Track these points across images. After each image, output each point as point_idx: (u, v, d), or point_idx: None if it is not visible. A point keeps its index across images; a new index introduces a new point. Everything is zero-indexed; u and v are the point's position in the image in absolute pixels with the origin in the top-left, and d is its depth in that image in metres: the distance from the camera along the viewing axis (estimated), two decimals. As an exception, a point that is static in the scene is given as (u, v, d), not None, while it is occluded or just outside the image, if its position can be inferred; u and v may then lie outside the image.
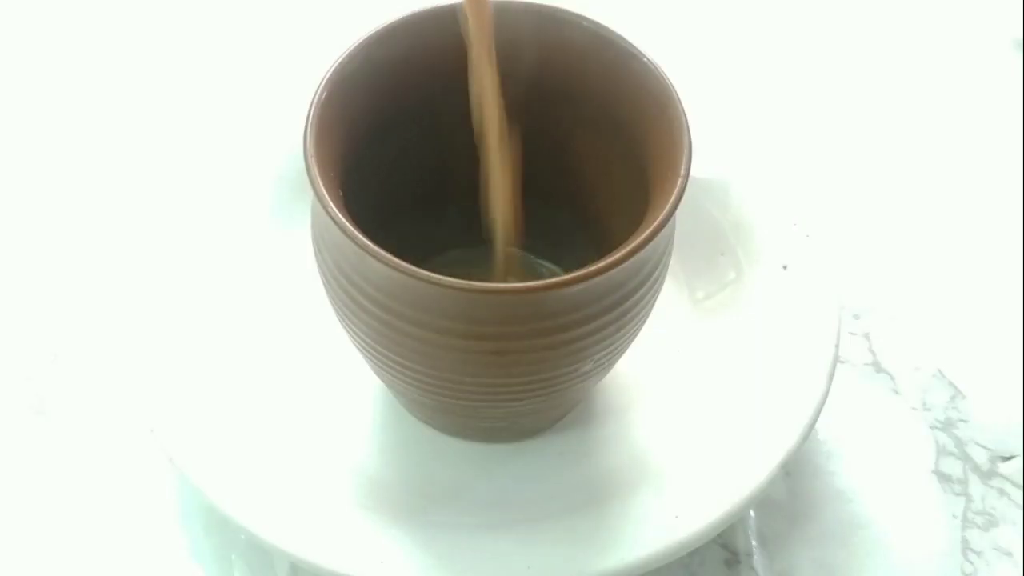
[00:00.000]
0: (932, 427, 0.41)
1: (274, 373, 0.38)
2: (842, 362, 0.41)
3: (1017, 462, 0.40)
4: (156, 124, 0.48)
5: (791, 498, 0.38)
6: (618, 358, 0.33)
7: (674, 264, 0.34)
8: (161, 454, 0.34)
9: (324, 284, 0.32)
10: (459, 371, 0.31)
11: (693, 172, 0.30)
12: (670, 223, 0.30)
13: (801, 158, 0.48)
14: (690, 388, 0.38)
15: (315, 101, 0.31)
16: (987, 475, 0.39)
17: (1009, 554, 0.38)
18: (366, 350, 0.33)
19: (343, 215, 0.29)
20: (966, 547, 0.38)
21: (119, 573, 0.36)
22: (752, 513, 0.38)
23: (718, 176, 0.41)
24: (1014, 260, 0.45)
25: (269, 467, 0.35)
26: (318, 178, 0.29)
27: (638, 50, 0.33)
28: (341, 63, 0.32)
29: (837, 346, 0.37)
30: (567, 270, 0.29)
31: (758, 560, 0.37)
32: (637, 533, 0.33)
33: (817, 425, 0.36)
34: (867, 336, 0.43)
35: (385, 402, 0.37)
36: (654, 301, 0.33)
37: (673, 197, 0.30)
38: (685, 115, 0.31)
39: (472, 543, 0.33)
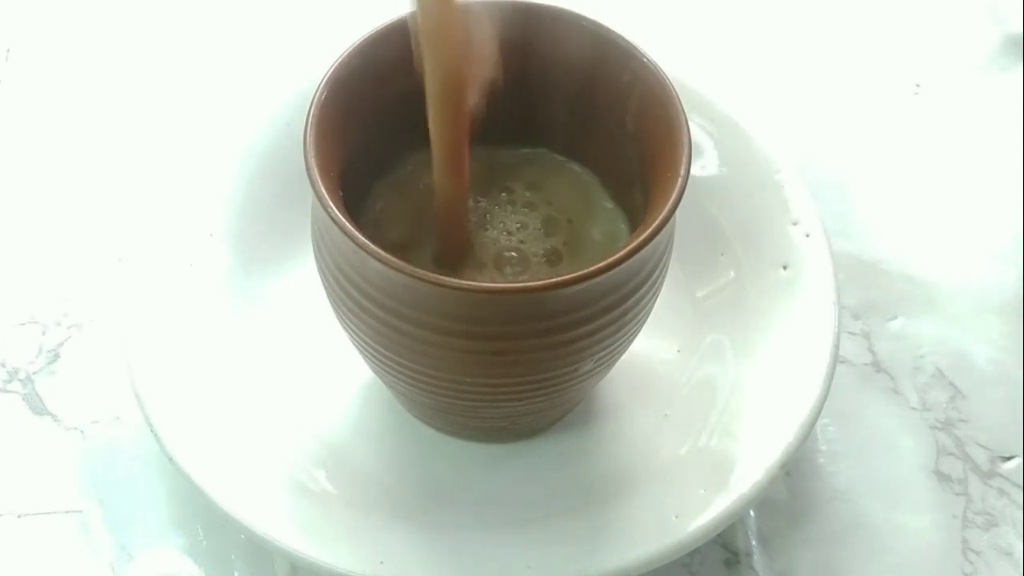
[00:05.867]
0: (932, 427, 0.41)
1: (274, 373, 0.38)
2: (842, 362, 0.41)
3: (1017, 462, 0.40)
4: (158, 124, 0.48)
5: (791, 498, 0.38)
6: (618, 358, 0.33)
7: (674, 264, 0.34)
8: (161, 454, 0.34)
9: (324, 284, 0.32)
10: (459, 371, 0.31)
11: (693, 172, 0.30)
12: (670, 223, 0.30)
13: (800, 158, 0.48)
14: (690, 388, 0.38)
15: (315, 101, 0.31)
16: (987, 475, 0.39)
17: (1009, 554, 0.38)
18: (366, 350, 0.33)
19: (343, 215, 0.29)
20: (966, 547, 0.38)
21: (119, 573, 0.36)
22: (752, 513, 0.38)
23: (718, 176, 0.41)
24: (1014, 259, 0.45)
25: (269, 467, 0.35)
26: (318, 178, 0.29)
27: (638, 50, 0.33)
28: (341, 63, 0.32)
29: (836, 346, 0.37)
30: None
31: (758, 560, 0.37)
32: (637, 533, 0.33)
33: (817, 425, 0.36)
34: (867, 336, 0.43)
35: (385, 402, 0.37)
36: (654, 301, 0.33)
37: (673, 197, 0.30)
38: (685, 115, 0.31)
39: (472, 543, 0.33)
